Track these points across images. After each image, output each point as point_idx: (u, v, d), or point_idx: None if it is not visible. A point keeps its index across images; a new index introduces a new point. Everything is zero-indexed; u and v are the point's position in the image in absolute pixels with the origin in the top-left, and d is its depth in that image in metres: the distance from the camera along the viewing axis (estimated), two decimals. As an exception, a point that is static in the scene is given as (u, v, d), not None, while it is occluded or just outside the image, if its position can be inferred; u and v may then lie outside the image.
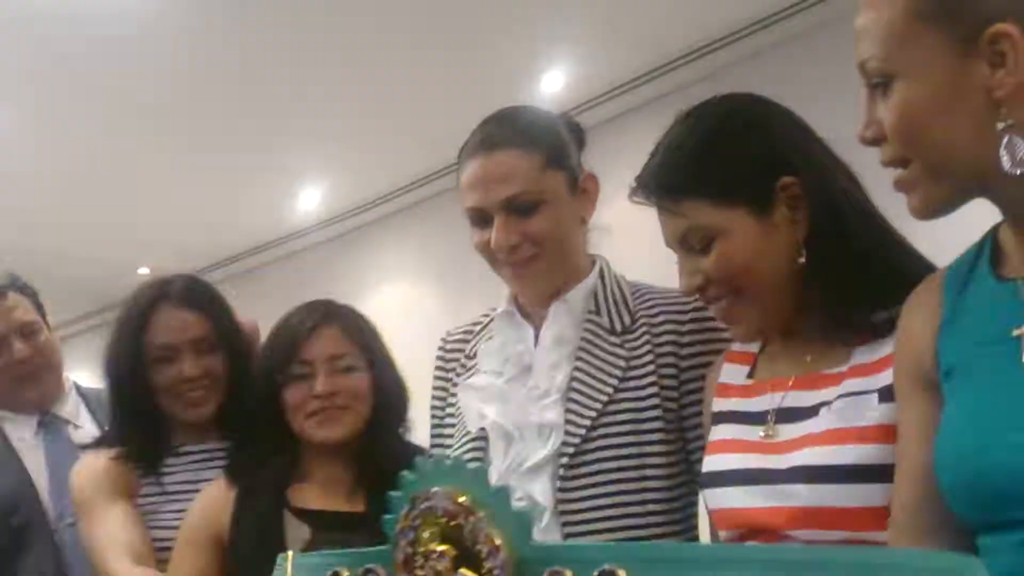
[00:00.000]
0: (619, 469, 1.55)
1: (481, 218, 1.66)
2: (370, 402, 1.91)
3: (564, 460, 1.57)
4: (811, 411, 1.30)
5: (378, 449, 1.89)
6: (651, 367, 1.61)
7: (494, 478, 1.63)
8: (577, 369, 1.64)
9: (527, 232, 1.63)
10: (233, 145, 5.68)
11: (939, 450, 1.06)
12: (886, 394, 1.21)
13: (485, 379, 1.73)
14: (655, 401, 1.59)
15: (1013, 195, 1.06)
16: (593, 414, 1.59)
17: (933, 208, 1.08)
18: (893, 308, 1.23)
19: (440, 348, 1.88)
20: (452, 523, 1.19)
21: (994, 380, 1.03)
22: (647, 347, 1.63)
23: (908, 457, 1.12)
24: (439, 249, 6.21)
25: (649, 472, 1.56)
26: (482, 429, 1.68)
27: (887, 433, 1.19)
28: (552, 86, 5.23)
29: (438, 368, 1.87)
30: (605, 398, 1.59)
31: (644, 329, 1.65)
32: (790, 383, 1.35)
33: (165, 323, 2.05)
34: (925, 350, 1.12)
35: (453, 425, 1.78)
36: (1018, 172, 1.00)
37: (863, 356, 1.27)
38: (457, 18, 4.56)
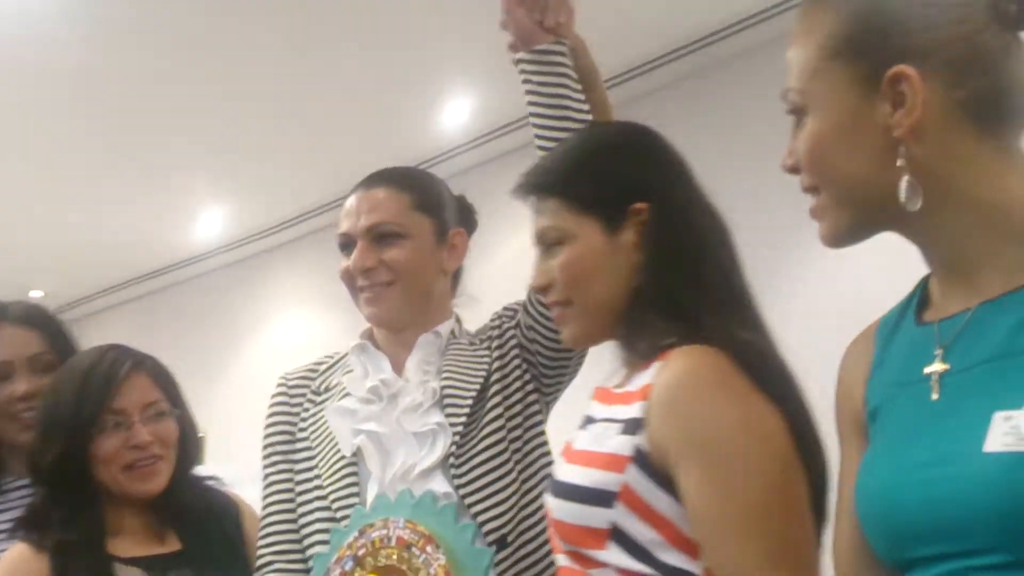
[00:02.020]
0: (500, 453, 1.67)
1: (347, 245, 1.82)
2: (176, 448, 1.93)
3: (451, 459, 1.66)
4: (584, 425, 1.38)
5: (186, 492, 1.94)
6: (514, 356, 1.76)
7: (374, 490, 1.67)
8: (446, 378, 1.74)
9: (384, 258, 1.77)
10: (131, 166, 5.60)
11: (857, 490, 1.10)
12: (627, 426, 1.28)
13: (356, 403, 1.78)
14: (518, 384, 1.73)
15: (916, 231, 1.10)
16: (467, 409, 1.69)
17: (839, 237, 1.12)
18: (677, 340, 1.30)
19: (281, 387, 1.89)
20: (403, 554, 1.21)
21: (907, 418, 1.07)
22: (509, 344, 1.78)
23: (845, 501, 1.16)
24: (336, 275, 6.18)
25: (534, 447, 1.72)
26: (356, 450, 1.73)
27: (616, 463, 1.26)
28: (457, 116, 5.28)
29: (280, 405, 1.87)
30: (476, 388, 1.71)
31: (501, 337, 1.80)
32: (594, 393, 1.43)
33: (0, 339, 2.04)
34: (857, 396, 1.16)
35: (310, 458, 1.79)
36: (911, 208, 1.04)
37: (633, 384, 1.33)
38: (364, 46, 4.58)
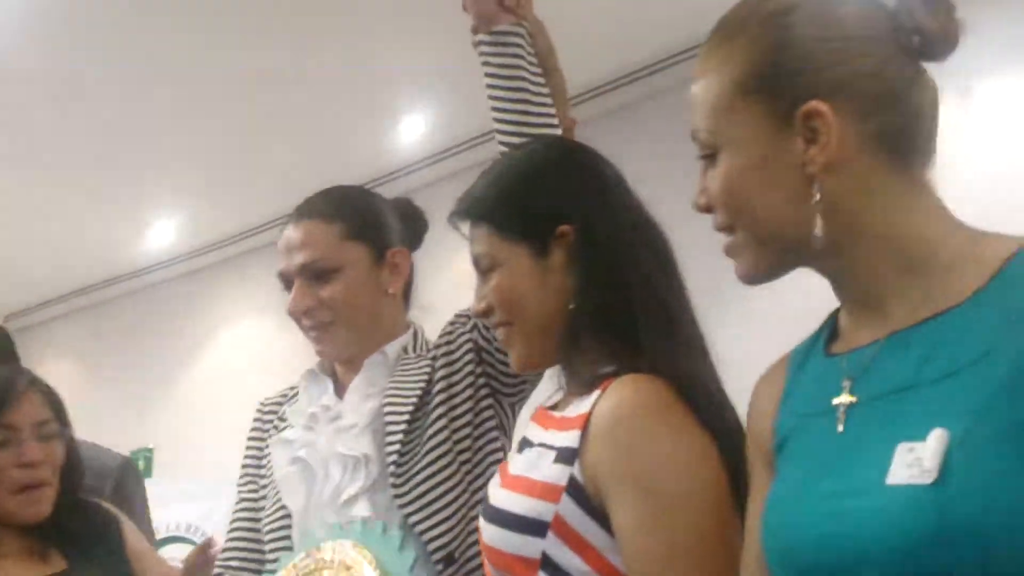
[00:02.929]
0: (446, 467, 1.64)
1: (286, 283, 1.80)
2: (60, 473, 1.94)
3: (392, 477, 1.64)
4: (521, 448, 1.38)
5: (71, 514, 1.95)
6: (467, 363, 1.72)
7: (296, 518, 1.70)
8: (387, 395, 1.72)
9: (321, 297, 1.76)
10: (80, 177, 5.54)
11: (763, 523, 1.09)
12: (563, 455, 1.28)
13: (294, 433, 1.79)
14: (470, 392, 1.70)
15: (830, 268, 1.10)
16: (403, 426, 1.66)
17: (757, 275, 1.12)
18: (618, 370, 1.30)
19: (257, 412, 1.93)
20: (343, 573, 1.22)
21: (813, 450, 1.06)
22: (462, 349, 1.73)
23: (751, 534, 1.14)
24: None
25: (486, 454, 1.69)
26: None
27: (550, 492, 1.26)
28: (412, 132, 5.27)
29: (254, 430, 1.91)
30: (412, 403, 1.68)
31: (451, 343, 1.76)
32: (534, 414, 1.44)
33: None
34: (766, 427, 1.15)
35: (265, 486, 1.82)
36: (821, 245, 1.05)
37: (571, 410, 1.33)
38: (319, 62, 4.56)
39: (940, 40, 1.06)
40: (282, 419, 1.86)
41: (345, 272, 1.77)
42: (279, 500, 1.76)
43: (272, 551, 1.76)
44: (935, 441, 0.91)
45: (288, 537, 1.73)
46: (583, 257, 1.38)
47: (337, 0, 4.14)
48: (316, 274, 1.77)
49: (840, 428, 1.03)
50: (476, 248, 1.45)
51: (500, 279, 1.42)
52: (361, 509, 1.65)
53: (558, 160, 1.49)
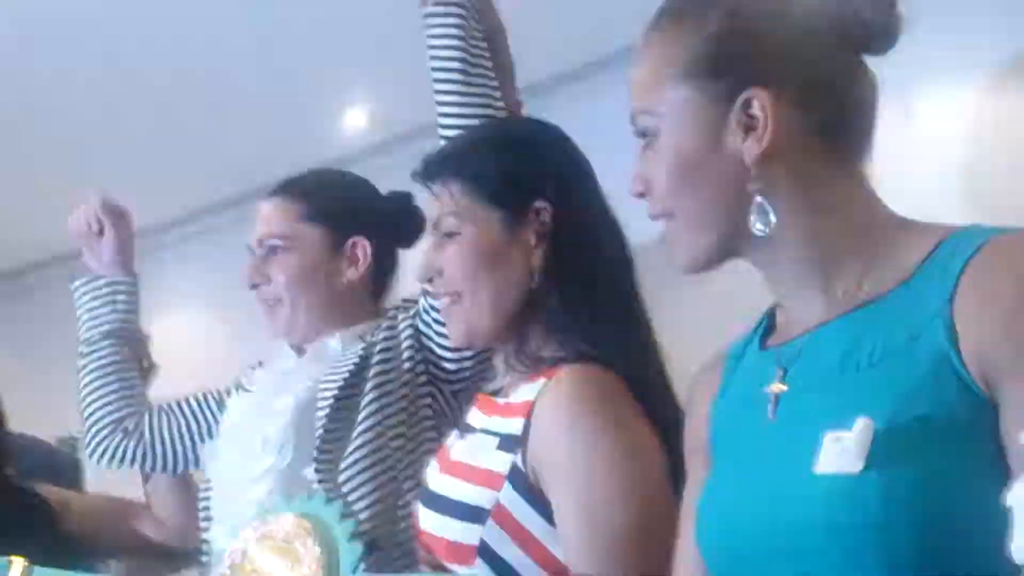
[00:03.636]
0: (373, 452, 1.63)
1: (251, 254, 1.81)
2: None
3: (316, 463, 1.63)
4: (462, 434, 1.36)
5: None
6: (406, 348, 1.69)
7: (222, 490, 1.72)
8: (324, 378, 1.70)
9: (270, 274, 1.77)
10: (9, 158, 5.43)
11: (696, 513, 1.10)
12: (505, 442, 1.27)
13: (236, 401, 1.83)
14: (407, 378, 1.67)
15: (764, 258, 1.09)
16: (327, 411, 1.65)
17: (694, 264, 1.10)
18: (567, 356, 1.29)
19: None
20: (286, 546, 1.22)
21: (745, 441, 1.07)
22: (403, 335, 1.70)
23: (686, 528, 1.14)
24: (229, 278, 6.08)
25: (420, 442, 1.67)
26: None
27: (491, 479, 1.25)
28: (355, 122, 5.24)
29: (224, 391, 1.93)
30: (343, 380, 1.66)
31: (392, 329, 1.74)
32: (475, 400, 1.42)
33: None
34: (702, 422, 1.15)
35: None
36: (761, 234, 1.04)
37: (516, 396, 1.31)
38: (262, 48, 4.52)
39: (882, 33, 1.06)
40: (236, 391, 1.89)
41: (296, 253, 1.78)
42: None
43: (203, 512, 1.78)
44: (860, 430, 0.92)
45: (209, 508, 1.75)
46: (555, 237, 1.36)
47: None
48: (269, 250, 1.79)
49: (771, 417, 1.04)
50: (442, 207, 1.39)
51: (464, 243, 1.37)
52: (270, 486, 1.65)
53: (541, 134, 1.47)
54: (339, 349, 1.76)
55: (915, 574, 0.90)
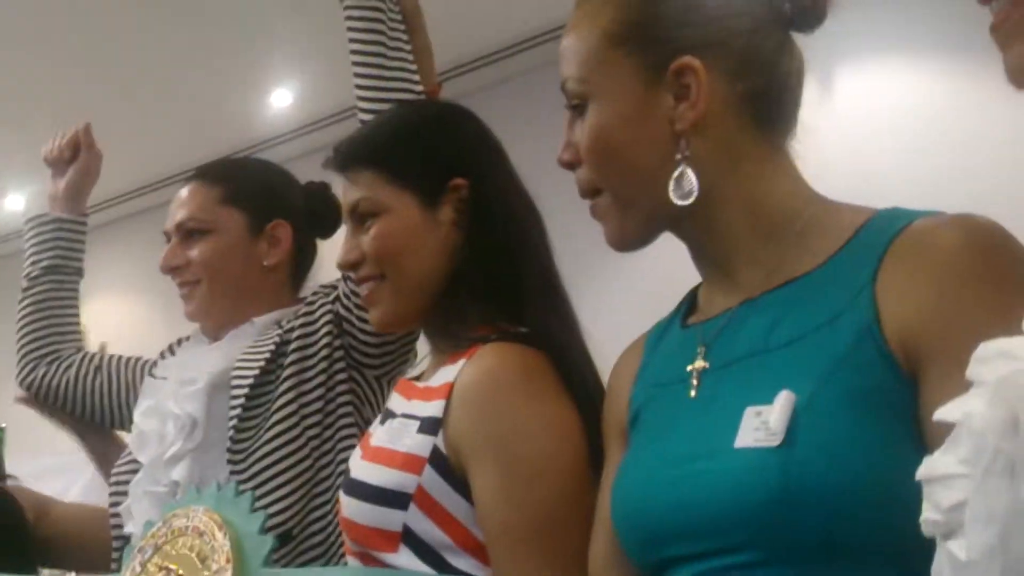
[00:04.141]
0: (290, 442, 1.61)
1: (168, 239, 1.81)
2: None
3: (229, 452, 1.61)
4: (383, 419, 1.35)
5: None
6: (324, 334, 1.67)
7: (140, 475, 1.70)
8: (238, 361, 1.69)
9: (189, 257, 1.76)
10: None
11: (613, 491, 1.09)
12: (426, 425, 1.25)
13: (152, 383, 1.80)
14: (324, 365, 1.66)
15: (689, 233, 1.09)
16: (242, 399, 1.64)
17: (626, 240, 1.10)
18: (489, 335, 1.29)
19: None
20: (195, 541, 1.21)
21: (664, 417, 1.07)
22: (320, 321, 1.69)
23: (602, 510, 1.13)
24: (156, 262, 5.99)
25: (336, 430, 1.66)
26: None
27: (412, 463, 1.24)
28: (281, 102, 5.19)
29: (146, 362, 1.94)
30: (259, 365, 1.65)
31: (310, 315, 1.72)
32: (396, 385, 1.41)
33: None
34: (623, 402, 1.14)
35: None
36: (682, 203, 1.03)
37: (436, 379, 1.30)
38: (187, 26, 4.45)
39: (809, 10, 1.07)
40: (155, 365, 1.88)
41: (215, 235, 1.78)
42: (130, 452, 1.77)
43: (114, 487, 1.78)
44: (781, 404, 0.92)
45: (127, 483, 1.74)
46: (474, 214, 1.35)
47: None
48: (188, 233, 1.78)
49: (692, 394, 1.04)
50: (356, 193, 1.37)
51: (381, 226, 1.35)
52: (180, 471, 1.64)
53: (451, 114, 1.46)
54: (254, 334, 1.74)
55: (829, 546, 0.91)
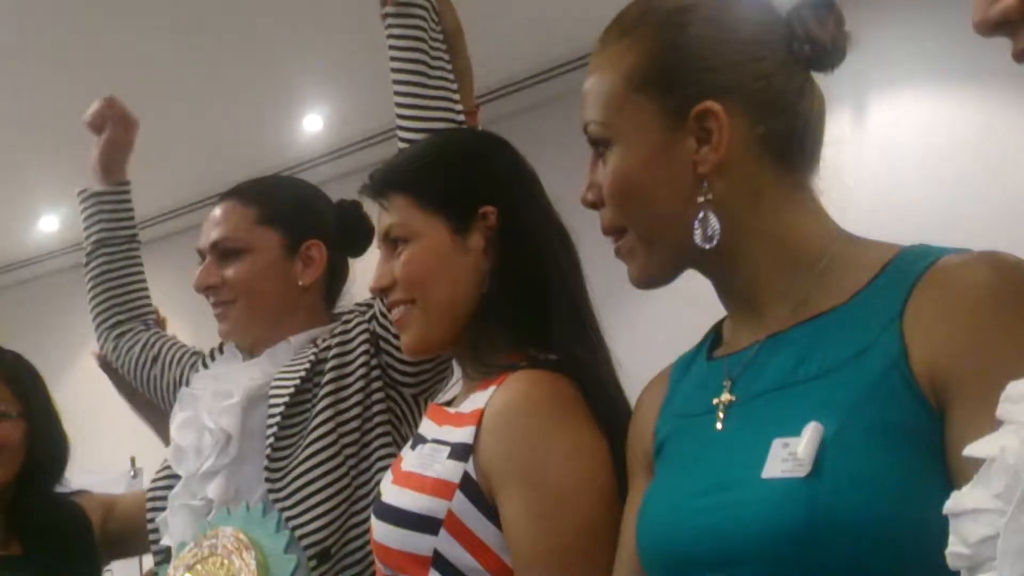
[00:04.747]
0: (328, 459, 1.61)
1: (202, 258, 1.81)
2: (22, 452, 1.93)
3: (267, 471, 1.62)
4: (414, 445, 1.36)
5: (32, 502, 1.94)
6: (361, 353, 1.68)
7: (178, 488, 1.72)
8: (275, 379, 1.70)
9: (225, 276, 1.77)
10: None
11: (638, 520, 1.09)
12: (456, 451, 1.26)
13: (188, 395, 1.82)
14: (361, 384, 1.65)
15: (714, 270, 1.10)
16: (281, 408, 1.65)
17: (649, 278, 1.11)
18: (519, 362, 1.30)
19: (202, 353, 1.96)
20: (225, 561, 1.23)
21: (690, 449, 1.07)
22: (356, 340, 1.69)
23: (625, 539, 1.14)
24: (188, 284, 6.03)
25: (374, 449, 1.66)
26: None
27: (443, 489, 1.25)
28: (312, 127, 5.23)
29: (194, 356, 1.97)
30: (295, 383, 1.66)
31: (345, 334, 1.72)
32: (427, 410, 1.42)
33: None
34: (647, 435, 1.15)
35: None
36: (707, 247, 1.05)
37: (467, 405, 1.31)
38: (220, 52, 4.50)
39: (829, 51, 1.08)
40: (206, 366, 1.90)
41: (252, 255, 1.78)
42: (167, 465, 1.79)
43: (151, 502, 1.79)
44: (809, 435, 0.93)
45: (165, 498, 1.75)
46: (503, 242, 1.36)
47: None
48: (223, 252, 1.79)
49: (719, 426, 1.04)
50: (389, 219, 1.40)
51: (412, 252, 1.37)
52: (216, 486, 1.65)
53: (483, 143, 1.48)
54: (290, 352, 1.75)
55: None
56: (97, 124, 2.10)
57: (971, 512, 0.64)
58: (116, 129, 2.09)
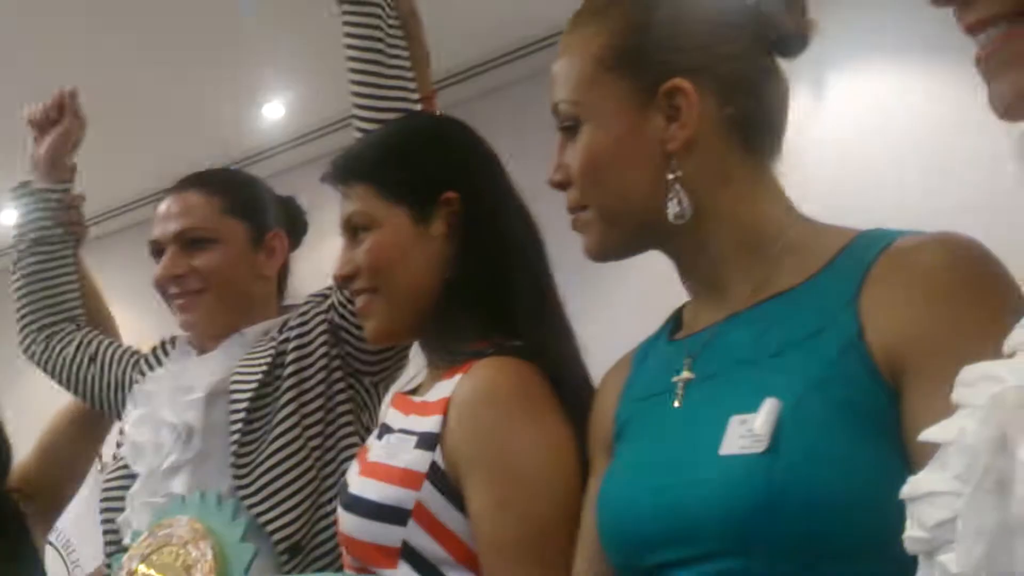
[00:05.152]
0: (294, 454, 1.60)
1: (158, 251, 1.78)
2: None
3: (233, 466, 1.60)
4: (380, 434, 1.36)
5: None
6: (321, 344, 1.67)
7: (137, 486, 1.68)
8: (235, 373, 1.68)
9: (194, 265, 1.74)
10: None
11: (598, 504, 1.10)
12: (423, 440, 1.26)
13: (142, 391, 1.79)
14: (322, 375, 1.65)
15: (677, 250, 1.12)
16: (245, 404, 1.63)
17: (604, 251, 1.13)
18: (486, 349, 1.29)
19: (149, 350, 1.92)
20: (179, 551, 1.22)
21: (649, 428, 1.09)
22: (315, 331, 1.68)
23: (586, 523, 1.15)
24: (141, 275, 5.96)
25: (338, 440, 1.65)
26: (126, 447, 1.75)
27: (411, 479, 1.24)
28: (273, 114, 5.20)
29: (138, 356, 1.92)
30: (259, 376, 1.64)
31: (303, 325, 1.71)
32: (392, 400, 1.41)
33: None
34: (608, 419, 1.16)
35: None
36: (679, 223, 1.06)
37: (433, 394, 1.31)
38: (180, 41, 4.45)
39: (794, 38, 1.10)
40: (149, 366, 1.87)
41: (221, 245, 1.76)
42: (123, 460, 1.76)
43: (106, 502, 1.77)
44: (767, 410, 0.94)
45: (121, 498, 1.73)
46: (465, 228, 1.36)
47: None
48: (191, 242, 1.76)
49: (677, 404, 1.06)
50: (350, 207, 1.39)
51: (374, 240, 1.37)
52: (179, 483, 1.64)
53: (444, 128, 1.48)
54: (245, 345, 1.74)
55: (813, 551, 0.92)
56: (46, 118, 2.05)
57: (927, 495, 0.65)
58: (73, 122, 2.05)
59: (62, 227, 2.03)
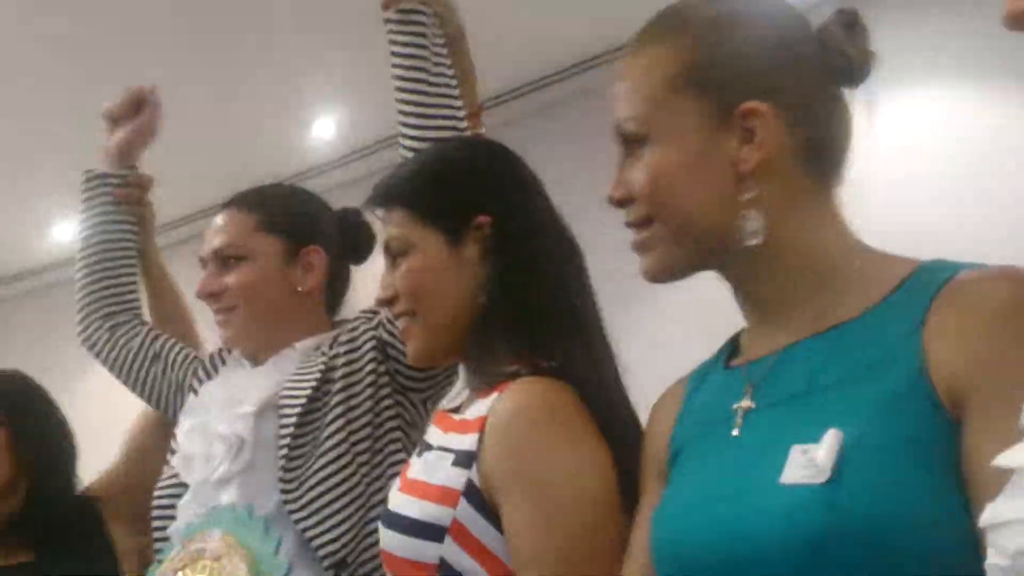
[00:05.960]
0: (342, 469, 1.61)
1: (204, 267, 1.82)
2: (9, 457, 1.95)
3: (281, 481, 1.61)
4: (420, 452, 1.37)
5: (37, 507, 1.96)
6: (369, 360, 1.68)
7: (188, 497, 1.70)
8: (285, 387, 1.70)
9: (226, 283, 1.77)
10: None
11: (653, 526, 1.10)
12: (460, 458, 1.28)
13: (196, 403, 1.81)
14: (370, 391, 1.66)
15: (741, 272, 1.11)
16: (294, 419, 1.64)
17: (665, 272, 1.12)
18: (520, 370, 1.30)
19: (207, 358, 1.94)
20: (214, 564, 1.22)
21: (707, 455, 1.08)
22: (364, 347, 1.70)
23: (636, 546, 1.15)
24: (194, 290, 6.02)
25: (385, 456, 1.66)
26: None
27: (448, 496, 1.26)
28: (323, 132, 5.23)
29: (199, 365, 1.94)
30: (308, 391, 1.66)
31: (353, 341, 1.73)
32: (434, 417, 1.43)
33: None
34: (662, 445, 1.16)
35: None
36: (754, 241, 1.06)
37: (471, 412, 1.33)
38: (229, 59, 4.50)
39: (858, 66, 1.09)
40: (207, 373, 1.89)
41: (252, 261, 1.79)
42: (175, 470, 1.78)
43: (158, 510, 1.78)
44: (829, 441, 0.93)
45: (172, 507, 1.74)
46: (499, 251, 1.37)
47: (252, 2, 4.09)
48: (224, 260, 1.80)
49: (735, 432, 1.05)
50: (389, 232, 1.43)
51: (409, 265, 1.40)
52: (229, 494, 1.65)
53: (479, 153, 1.50)
54: (296, 360, 1.76)
55: None
56: (123, 111, 2.09)
57: (1008, 523, 0.64)
58: (151, 117, 2.09)
59: (126, 208, 2.06)
